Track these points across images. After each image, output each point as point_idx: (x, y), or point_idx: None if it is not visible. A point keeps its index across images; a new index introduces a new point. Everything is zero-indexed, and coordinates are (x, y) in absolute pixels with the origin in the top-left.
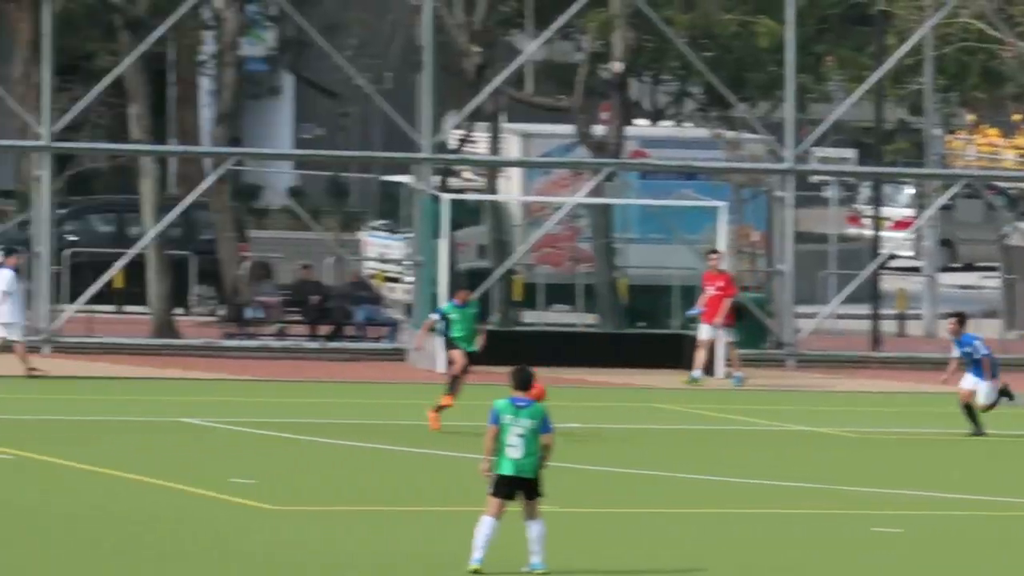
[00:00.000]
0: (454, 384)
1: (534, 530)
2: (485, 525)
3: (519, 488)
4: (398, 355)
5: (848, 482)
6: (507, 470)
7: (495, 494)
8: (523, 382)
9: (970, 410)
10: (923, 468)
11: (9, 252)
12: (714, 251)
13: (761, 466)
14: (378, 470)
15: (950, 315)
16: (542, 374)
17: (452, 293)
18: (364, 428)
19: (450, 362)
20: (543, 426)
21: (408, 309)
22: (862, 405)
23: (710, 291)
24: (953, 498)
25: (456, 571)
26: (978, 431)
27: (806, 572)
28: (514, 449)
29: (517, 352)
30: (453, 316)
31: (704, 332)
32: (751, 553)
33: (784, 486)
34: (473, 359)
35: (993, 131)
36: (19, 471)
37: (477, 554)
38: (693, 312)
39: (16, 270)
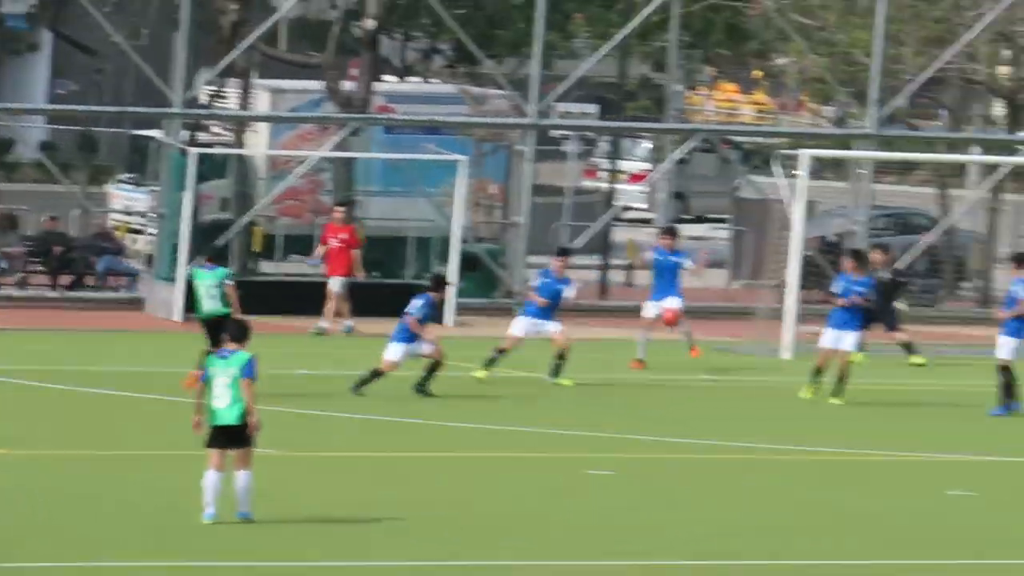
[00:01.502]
0: None
1: (240, 480)
2: (209, 479)
3: (229, 436)
4: (136, 304)
5: (564, 427)
6: (215, 420)
7: (211, 445)
8: (237, 334)
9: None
10: (641, 412)
11: None
12: (342, 204)
13: (483, 412)
14: (109, 415)
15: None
16: (277, 323)
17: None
18: (97, 375)
19: None
20: (244, 373)
21: (149, 260)
22: (589, 352)
23: (333, 243)
24: (666, 441)
25: (191, 517)
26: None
27: (521, 513)
28: (220, 399)
29: (254, 301)
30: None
31: (335, 285)
32: (468, 495)
33: (501, 430)
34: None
35: (732, 87)
36: None
37: (209, 509)
38: (313, 262)
39: None
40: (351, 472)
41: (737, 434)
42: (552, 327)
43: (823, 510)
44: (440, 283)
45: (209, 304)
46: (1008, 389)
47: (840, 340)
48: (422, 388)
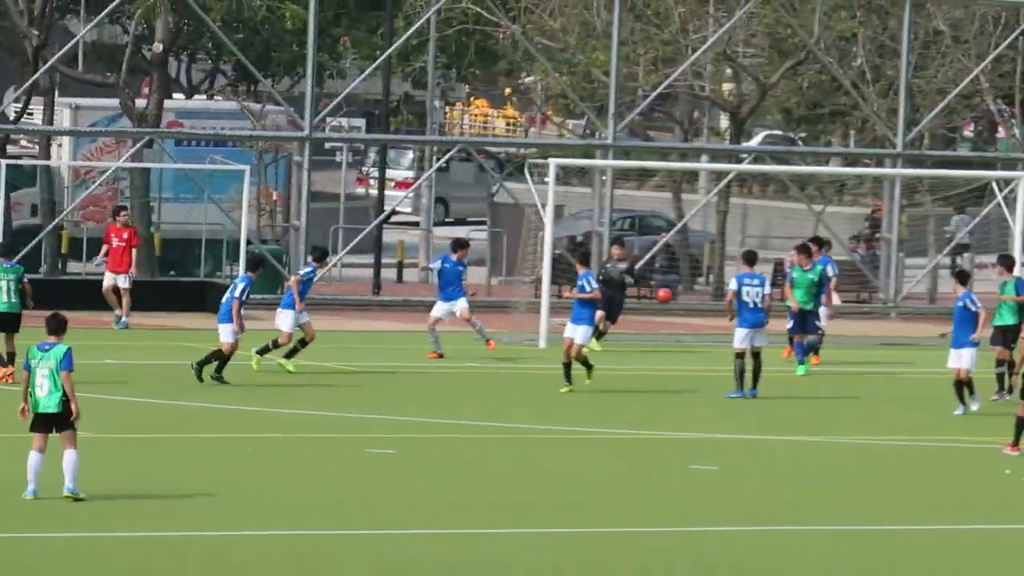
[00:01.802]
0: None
1: (67, 458)
2: (32, 459)
3: (52, 422)
4: None
5: (346, 409)
6: (37, 408)
7: (34, 430)
8: (55, 328)
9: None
10: (418, 397)
11: None
12: (123, 208)
13: (275, 398)
14: None
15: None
16: (84, 317)
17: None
18: None
19: None
20: (62, 365)
21: None
22: (364, 343)
23: (116, 243)
24: (440, 423)
25: (17, 495)
26: None
27: (311, 489)
28: (40, 388)
29: (63, 298)
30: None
31: (121, 280)
32: (265, 474)
33: (292, 414)
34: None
35: (484, 102)
36: None
37: (31, 486)
38: (99, 262)
39: None
40: (162, 451)
41: (501, 415)
42: (461, 303)
43: (577, 481)
44: (258, 263)
45: (3, 299)
46: (741, 376)
47: (574, 332)
48: (205, 373)
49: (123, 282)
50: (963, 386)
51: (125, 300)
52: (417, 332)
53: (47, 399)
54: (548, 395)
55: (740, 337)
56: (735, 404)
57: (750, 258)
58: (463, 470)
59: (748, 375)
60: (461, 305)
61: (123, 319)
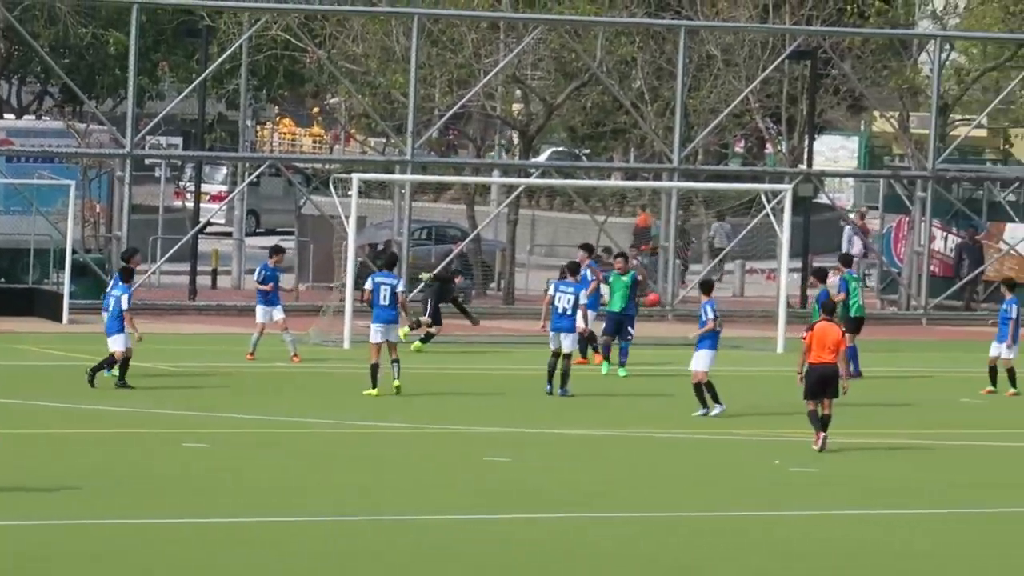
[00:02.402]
0: None
1: None
2: None
3: None
4: None
5: (162, 407)
6: None
7: None
8: None
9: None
10: (231, 395)
11: None
12: None
13: (88, 394)
14: None
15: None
16: None
17: None
18: None
19: None
20: None
21: None
22: (182, 344)
23: None
24: (249, 418)
25: None
26: None
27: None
28: None
29: None
30: None
31: None
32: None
33: (114, 411)
34: None
35: (290, 121)
36: None
37: None
38: None
39: None
40: (31, 447)
41: (303, 410)
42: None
43: (382, 470)
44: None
45: None
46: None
47: (388, 333)
48: (91, 379)
49: None
50: (703, 389)
51: None
52: (230, 334)
53: None
54: (352, 392)
55: (552, 339)
56: (534, 400)
57: (573, 269)
58: (272, 458)
59: (557, 375)
60: (278, 316)
61: None
